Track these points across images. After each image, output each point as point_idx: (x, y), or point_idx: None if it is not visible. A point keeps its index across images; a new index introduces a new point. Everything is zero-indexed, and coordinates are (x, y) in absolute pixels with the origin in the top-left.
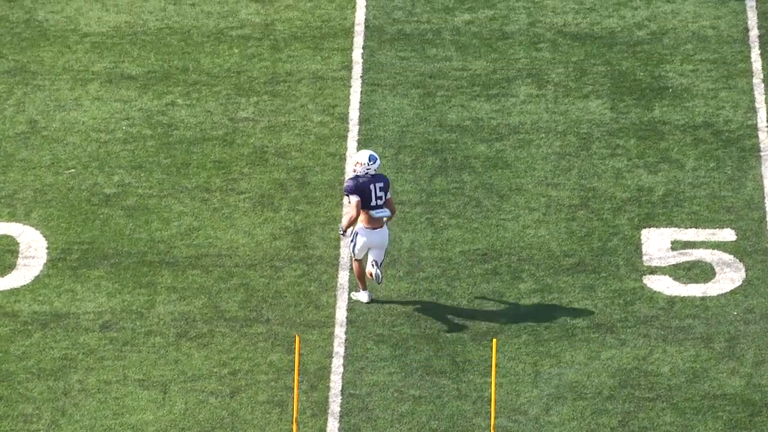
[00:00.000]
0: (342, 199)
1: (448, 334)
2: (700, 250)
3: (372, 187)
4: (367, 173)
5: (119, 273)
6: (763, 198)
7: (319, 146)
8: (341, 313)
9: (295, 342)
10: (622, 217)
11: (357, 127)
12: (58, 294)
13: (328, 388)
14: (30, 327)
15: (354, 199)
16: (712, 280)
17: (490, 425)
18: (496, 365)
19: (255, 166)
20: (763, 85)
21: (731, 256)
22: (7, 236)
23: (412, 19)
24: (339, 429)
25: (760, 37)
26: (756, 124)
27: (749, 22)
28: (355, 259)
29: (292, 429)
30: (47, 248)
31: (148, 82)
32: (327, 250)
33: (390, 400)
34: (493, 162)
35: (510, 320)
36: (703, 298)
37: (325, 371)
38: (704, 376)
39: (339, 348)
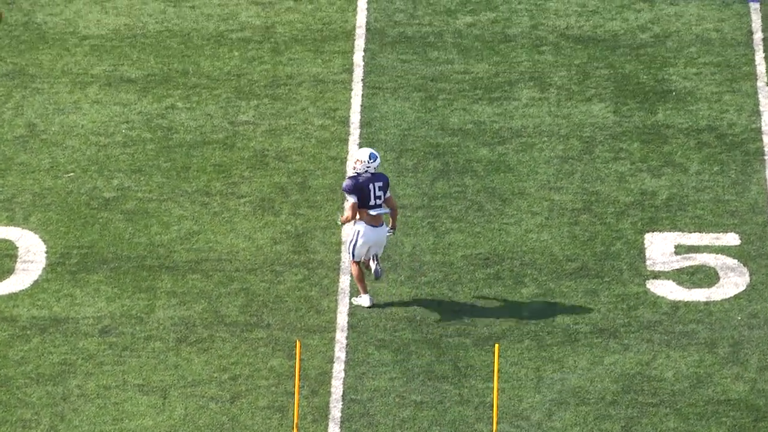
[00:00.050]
0: (343, 203)
1: (450, 339)
2: (704, 254)
3: (371, 186)
4: (366, 171)
5: (119, 277)
6: None
7: (320, 150)
8: (342, 318)
9: (295, 347)
10: (625, 222)
11: (358, 131)
12: (57, 299)
13: (329, 393)
14: (29, 332)
15: (351, 200)
16: (716, 285)
17: (493, 431)
18: (499, 370)
19: (255, 170)
20: (767, 89)
21: (735, 261)
22: (5, 240)
23: (414, 22)
24: None
25: (764, 39)
26: (760, 128)
27: (753, 25)
28: (354, 262)
29: None
30: (46, 252)
31: (147, 85)
32: (328, 255)
33: (391, 406)
34: (495, 166)
35: (512, 325)
36: (706, 303)
37: (326, 376)
38: (708, 381)
39: (340, 353)
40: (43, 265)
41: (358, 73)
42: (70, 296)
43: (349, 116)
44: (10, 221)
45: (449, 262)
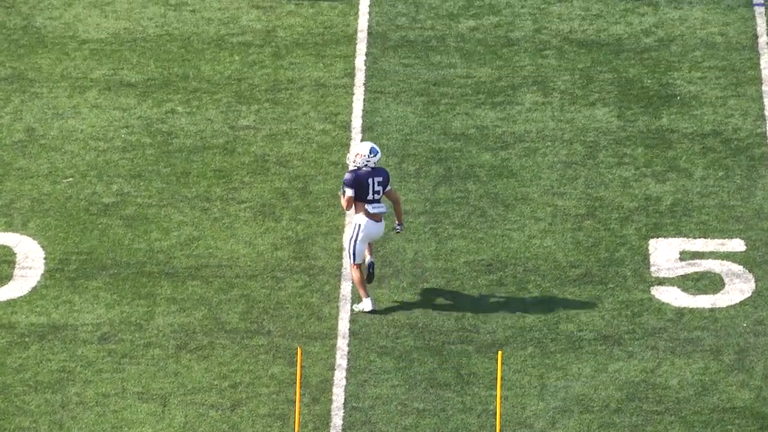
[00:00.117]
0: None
1: (452, 346)
2: (709, 260)
3: (370, 180)
4: (366, 165)
5: (118, 284)
6: None
7: (322, 155)
8: (344, 325)
9: (296, 354)
10: (629, 227)
11: (360, 136)
12: (55, 305)
13: (330, 401)
14: (27, 339)
15: (348, 192)
16: (721, 291)
17: None
18: (502, 378)
19: (256, 175)
20: None
21: (741, 267)
22: (3, 246)
23: (416, 26)
24: None
25: None
26: (765, 132)
27: (758, 29)
28: (354, 264)
29: None
30: (45, 258)
31: (147, 89)
32: (329, 261)
33: (393, 414)
34: (498, 171)
35: (515, 332)
36: (712, 310)
37: (327, 384)
38: (713, 389)
39: (341, 360)
40: (42, 272)
41: (360, 77)
42: (68, 303)
43: (351, 121)
44: (9, 227)
45: (452, 269)
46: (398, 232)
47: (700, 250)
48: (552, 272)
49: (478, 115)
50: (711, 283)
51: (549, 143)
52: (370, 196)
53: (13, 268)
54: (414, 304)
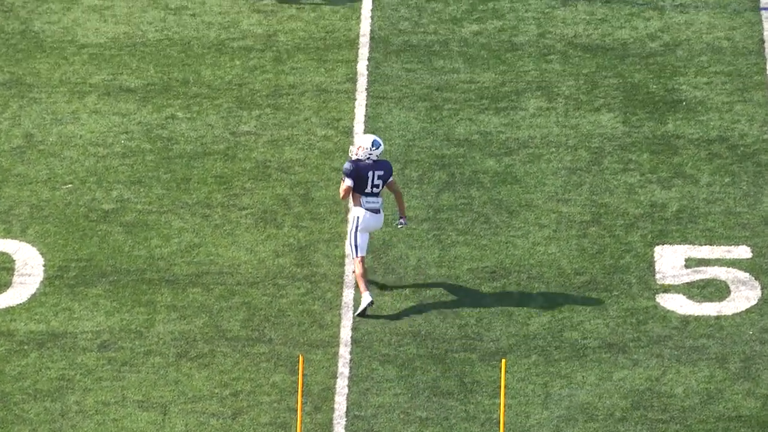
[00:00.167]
0: (347, 215)
1: (455, 354)
2: (715, 267)
3: (370, 174)
4: (369, 158)
5: (118, 291)
6: None
7: (323, 161)
8: (346, 333)
9: (298, 362)
10: (634, 234)
11: None
12: (55, 313)
13: (332, 409)
14: (26, 347)
15: (347, 182)
16: (727, 299)
17: None
18: (506, 386)
19: (257, 182)
20: None
21: (747, 274)
22: (2, 253)
23: (419, 30)
24: None
25: None
26: None
27: (765, 34)
28: (358, 256)
29: None
30: (44, 266)
31: (147, 94)
32: (331, 268)
33: (396, 422)
34: (502, 177)
35: (519, 340)
36: (717, 318)
37: (329, 392)
38: (719, 397)
39: (344, 368)
40: (41, 279)
41: (362, 82)
42: (68, 310)
43: (353, 126)
44: (7, 234)
45: (455, 276)
46: (402, 226)
47: (706, 257)
48: (556, 279)
49: (482, 121)
50: (717, 290)
51: (553, 149)
52: (368, 189)
53: (12, 275)
54: (417, 312)
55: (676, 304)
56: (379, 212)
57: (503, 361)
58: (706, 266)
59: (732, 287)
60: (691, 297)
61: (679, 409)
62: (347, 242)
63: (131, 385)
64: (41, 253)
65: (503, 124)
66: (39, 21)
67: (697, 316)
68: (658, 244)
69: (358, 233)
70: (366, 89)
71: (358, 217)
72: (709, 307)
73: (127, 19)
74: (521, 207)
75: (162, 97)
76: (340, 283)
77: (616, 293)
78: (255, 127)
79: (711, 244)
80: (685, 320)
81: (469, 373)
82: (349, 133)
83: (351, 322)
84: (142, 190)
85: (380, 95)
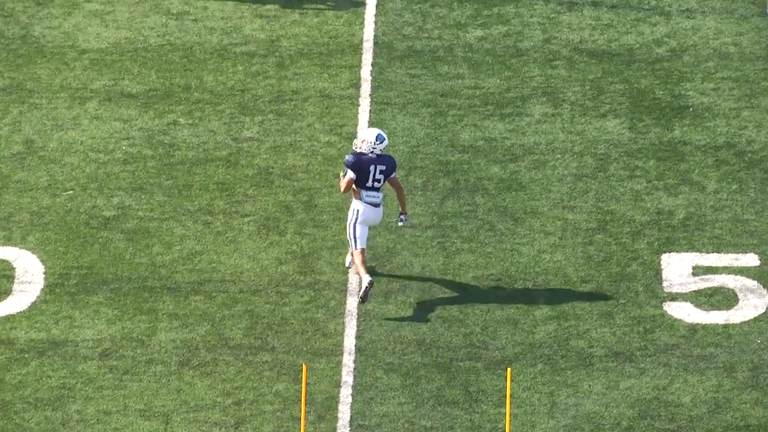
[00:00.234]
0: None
1: (460, 363)
2: (723, 275)
3: (372, 168)
4: (372, 152)
5: (119, 299)
6: None
7: (327, 167)
8: (350, 341)
9: (301, 371)
10: (641, 242)
11: None
12: (55, 321)
13: (336, 418)
14: (27, 355)
15: (349, 174)
16: (735, 307)
17: None
18: (511, 395)
19: (260, 188)
20: None
21: (755, 282)
22: (2, 261)
23: (423, 36)
24: None
25: None
26: None
27: None
28: (358, 248)
29: None
30: (44, 273)
31: (149, 100)
32: (335, 276)
33: None
34: (507, 184)
35: (525, 348)
36: (725, 326)
37: (333, 401)
38: (727, 406)
39: (347, 377)
40: (42, 286)
41: (366, 88)
42: (69, 318)
43: (357, 133)
44: (8, 241)
45: (460, 284)
46: (403, 224)
47: (714, 265)
48: (562, 287)
49: (487, 127)
50: (724, 298)
51: (559, 156)
52: (369, 183)
53: (12, 282)
54: (421, 320)
55: (684, 312)
56: (379, 206)
57: (509, 369)
58: (714, 274)
59: (740, 295)
60: (698, 305)
61: (686, 419)
62: (348, 235)
63: (133, 394)
64: (42, 261)
65: (508, 130)
66: (39, 26)
67: (705, 324)
68: (665, 252)
69: (357, 225)
70: (370, 95)
71: (357, 210)
72: (717, 316)
73: (128, 24)
74: (526, 214)
75: (164, 102)
76: (343, 291)
77: (623, 301)
78: (257, 133)
79: (718, 252)
80: (693, 329)
81: (475, 382)
82: (352, 139)
83: (355, 330)
84: (143, 196)
85: (384, 101)
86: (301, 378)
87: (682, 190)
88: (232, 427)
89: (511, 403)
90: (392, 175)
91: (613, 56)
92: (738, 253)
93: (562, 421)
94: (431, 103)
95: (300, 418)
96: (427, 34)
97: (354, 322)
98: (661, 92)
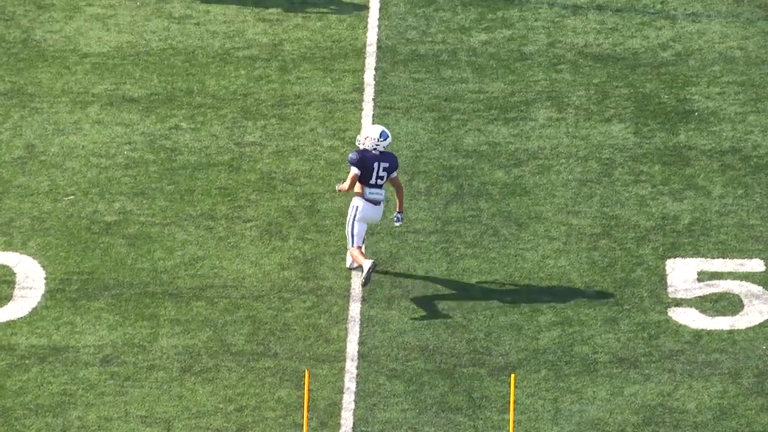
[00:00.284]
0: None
1: (464, 369)
2: (728, 281)
3: (376, 165)
4: (375, 149)
5: (120, 304)
6: None
7: (330, 172)
8: (352, 347)
9: (304, 377)
10: (646, 247)
11: None
12: (56, 326)
13: (338, 425)
14: (27, 361)
15: (354, 171)
16: (740, 313)
17: None
18: (515, 401)
19: (262, 193)
20: None
21: (760, 288)
22: (3, 266)
23: (427, 40)
24: None
25: None
26: None
27: None
28: (355, 246)
29: None
30: (45, 279)
31: (150, 104)
32: (337, 281)
33: None
34: (511, 189)
35: (529, 354)
36: (730, 332)
37: (335, 408)
38: (732, 412)
39: (350, 383)
40: (42, 292)
41: (369, 92)
42: (70, 324)
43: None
44: (8, 246)
45: (463, 289)
46: (399, 222)
47: (719, 270)
48: (566, 293)
49: (491, 132)
50: (730, 304)
51: (563, 160)
52: (372, 180)
53: (13, 288)
54: (424, 326)
55: (689, 318)
56: (380, 204)
57: (512, 375)
58: (719, 280)
59: (745, 301)
60: (703, 311)
61: (691, 425)
62: (347, 232)
63: (134, 401)
64: (42, 266)
65: (512, 134)
66: (41, 30)
67: (710, 330)
68: (670, 257)
69: (356, 222)
70: (373, 99)
71: (357, 207)
72: (722, 321)
73: (130, 28)
74: (530, 219)
75: (166, 107)
76: (346, 296)
77: (628, 307)
78: (260, 137)
79: (724, 257)
80: (698, 334)
81: (478, 388)
82: (355, 144)
83: (358, 336)
84: (145, 201)
85: (387, 105)
86: (304, 384)
87: (687, 195)
88: None
89: (514, 410)
90: (394, 174)
91: (618, 60)
92: (743, 258)
93: (566, 428)
94: (435, 108)
95: (302, 425)
96: (430, 38)
97: (357, 328)
98: (666, 96)
